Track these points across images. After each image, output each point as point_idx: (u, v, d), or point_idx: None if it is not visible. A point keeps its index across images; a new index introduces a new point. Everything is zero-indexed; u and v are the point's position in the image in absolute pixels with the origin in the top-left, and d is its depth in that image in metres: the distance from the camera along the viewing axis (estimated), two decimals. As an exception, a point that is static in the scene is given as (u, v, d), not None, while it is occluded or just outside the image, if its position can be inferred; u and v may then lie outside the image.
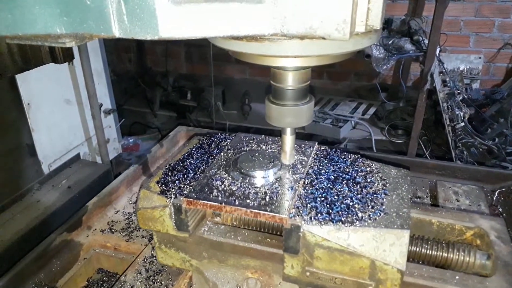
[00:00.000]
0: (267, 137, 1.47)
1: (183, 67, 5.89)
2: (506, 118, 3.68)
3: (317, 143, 1.41)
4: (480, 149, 3.66)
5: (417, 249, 1.20)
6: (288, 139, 1.18)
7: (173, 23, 0.71)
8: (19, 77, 1.88)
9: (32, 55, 1.44)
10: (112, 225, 1.67)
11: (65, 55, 1.54)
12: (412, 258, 1.22)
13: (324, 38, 0.74)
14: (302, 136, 4.17)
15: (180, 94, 5.12)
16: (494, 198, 1.68)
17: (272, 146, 1.40)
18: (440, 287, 1.09)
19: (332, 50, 0.82)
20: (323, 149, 1.40)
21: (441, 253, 1.19)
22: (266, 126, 4.44)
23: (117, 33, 0.72)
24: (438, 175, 1.81)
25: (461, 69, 4.50)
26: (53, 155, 2.16)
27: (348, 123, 4.33)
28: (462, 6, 4.51)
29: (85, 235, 1.61)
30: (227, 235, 1.22)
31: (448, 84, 3.61)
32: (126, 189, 1.88)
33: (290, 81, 1.02)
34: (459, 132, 3.63)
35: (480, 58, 4.55)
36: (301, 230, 1.05)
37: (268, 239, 1.20)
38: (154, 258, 1.44)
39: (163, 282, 1.35)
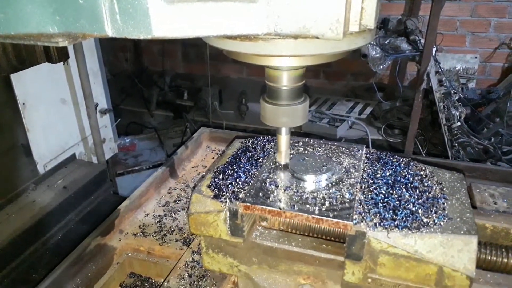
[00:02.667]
0: (311, 140, 1.43)
1: (180, 67, 5.89)
2: (502, 118, 3.70)
3: (365, 146, 1.38)
4: (476, 149, 3.67)
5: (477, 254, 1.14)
6: (283, 139, 1.17)
7: (166, 22, 0.70)
8: (14, 77, 1.87)
9: (27, 54, 1.43)
10: (144, 229, 1.64)
11: (60, 55, 1.54)
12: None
13: (317, 38, 0.74)
14: (299, 135, 4.16)
15: (177, 94, 5.12)
16: (528, 199, 1.66)
17: (319, 149, 1.37)
18: None
19: (326, 50, 0.82)
20: (372, 152, 1.37)
21: (500, 259, 1.14)
22: (263, 126, 4.44)
23: (110, 32, 0.72)
24: (468, 177, 1.78)
25: (457, 68, 4.52)
26: (48, 155, 2.15)
27: (344, 122, 4.33)
28: (458, 6, 4.52)
29: (117, 239, 1.59)
30: (280, 241, 1.18)
31: (445, 84, 3.63)
32: (154, 191, 1.86)
33: (285, 81, 1.02)
34: (455, 132, 3.64)
35: (476, 57, 4.57)
36: (366, 236, 1.02)
37: (324, 245, 1.17)
38: (195, 262, 1.41)
39: (207, 287, 1.32)
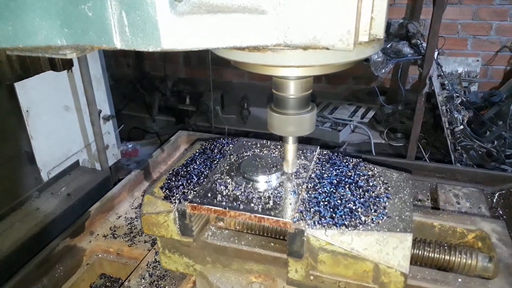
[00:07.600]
0: (269, 142, 1.46)
1: (182, 72, 5.89)
2: (504, 121, 3.68)
3: (319, 147, 1.41)
4: (479, 152, 3.65)
5: (419, 252, 1.20)
6: (290, 147, 1.17)
7: (175, 35, 0.70)
8: (18, 85, 1.87)
9: (31, 63, 1.43)
10: (115, 230, 1.67)
11: (64, 63, 1.53)
12: (414, 261, 1.22)
13: (327, 49, 0.73)
14: (301, 140, 4.13)
15: (178, 99, 5.11)
16: (494, 200, 1.69)
17: (274, 151, 1.40)
18: None
19: (335, 60, 0.81)
20: (325, 153, 1.40)
21: (443, 256, 1.19)
22: (265, 131, 4.42)
23: (118, 44, 0.72)
24: (438, 177, 1.81)
25: (459, 72, 4.51)
26: (52, 162, 2.15)
27: (347, 126, 4.33)
28: (460, 9, 4.52)
29: (87, 240, 1.61)
30: (230, 240, 1.22)
31: (447, 87, 3.62)
32: (127, 194, 1.88)
33: (292, 90, 1.01)
34: (458, 135, 3.63)
35: (478, 61, 4.57)
36: (305, 234, 1.05)
37: (272, 244, 1.20)
38: (157, 263, 1.44)
39: (166, 287, 1.35)
